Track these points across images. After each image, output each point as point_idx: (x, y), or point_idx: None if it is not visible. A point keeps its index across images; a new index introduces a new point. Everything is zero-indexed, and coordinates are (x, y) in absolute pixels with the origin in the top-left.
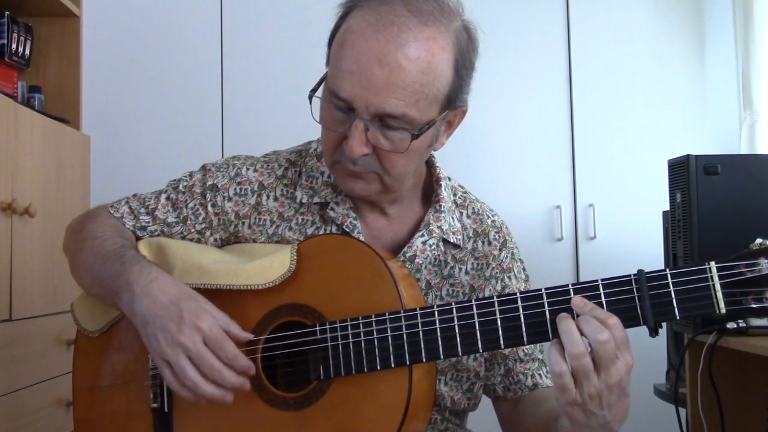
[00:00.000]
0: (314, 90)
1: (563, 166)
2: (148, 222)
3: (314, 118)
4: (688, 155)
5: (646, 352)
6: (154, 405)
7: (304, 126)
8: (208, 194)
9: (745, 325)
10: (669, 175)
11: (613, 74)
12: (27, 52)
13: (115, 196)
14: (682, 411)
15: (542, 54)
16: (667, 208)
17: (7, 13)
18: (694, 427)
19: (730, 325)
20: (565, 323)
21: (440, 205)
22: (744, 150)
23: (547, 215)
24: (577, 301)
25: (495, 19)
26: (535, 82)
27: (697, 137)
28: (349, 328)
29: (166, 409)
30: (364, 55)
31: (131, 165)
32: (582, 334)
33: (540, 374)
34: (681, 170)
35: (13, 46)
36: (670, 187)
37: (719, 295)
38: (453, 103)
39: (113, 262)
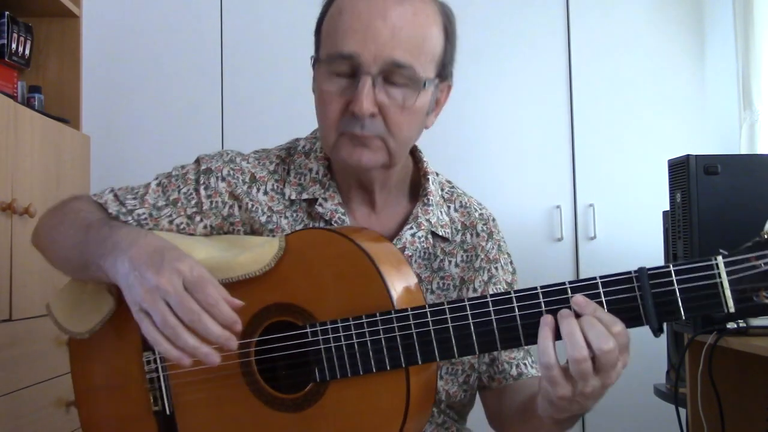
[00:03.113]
0: (318, 60)
1: (563, 166)
2: (135, 205)
3: (324, 88)
4: (688, 155)
5: (646, 352)
6: (156, 408)
7: (303, 126)
8: (201, 177)
9: (745, 325)
10: (669, 175)
11: (613, 74)
12: (27, 52)
13: None
14: (682, 411)
15: (542, 54)
16: (667, 208)
17: (7, 13)
18: (694, 427)
19: (730, 325)
20: (568, 324)
21: (428, 199)
22: (744, 150)
23: (547, 215)
24: (579, 299)
25: (495, 19)
26: (536, 82)
27: (697, 137)
28: (341, 330)
29: (168, 412)
30: (366, 12)
31: (131, 165)
32: (585, 338)
33: (525, 364)
34: (681, 170)
35: (13, 46)
36: (670, 187)
37: (727, 292)
38: (444, 70)
39: (99, 228)
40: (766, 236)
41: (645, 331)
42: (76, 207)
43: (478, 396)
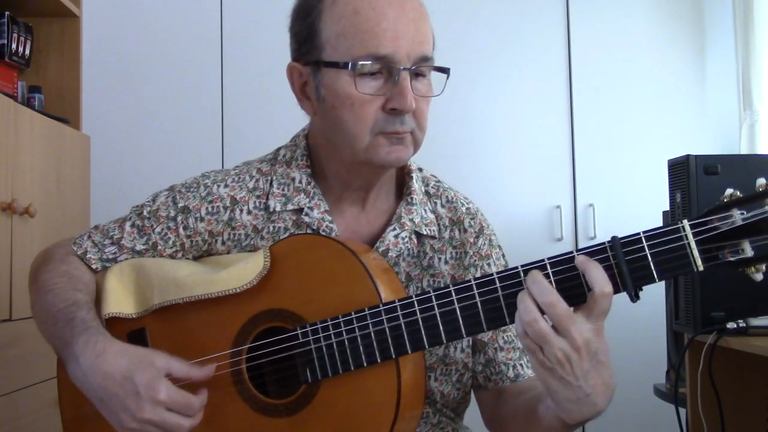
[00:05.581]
0: (323, 62)
1: (563, 166)
2: (116, 253)
3: (356, 92)
4: (688, 155)
5: (646, 352)
6: None
7: (303, 126)
8: (179, 217)
9: (745, 325)
10: (669, 175)
11: (613, 74)
12: (27, 52)
13: (115, 196)
14: (682, 411)
15: (542, 54)
16: (667, 208)
17: (7, 13)
18: (694, 427)
19: (730, 325)
20: (521, 292)
21: (412, 198)
22: (744, 150)
23: (547, 215)
24: (581, 258)
25: (496, 19)
26: (536, 82)
27: (697, 137)
28: (331, 328)
29: None
30: (387, 8)
31: (131, 165)
32: (532, 298)
33: (521, 364)
34: (681, 170)
35: (13, 46)
36: (670, 187)
37: (695, 252)
38: None
39: (63, 325)
40: (725, 200)
41: (645, 331)
42: (46, 283)
43: (473, 394)
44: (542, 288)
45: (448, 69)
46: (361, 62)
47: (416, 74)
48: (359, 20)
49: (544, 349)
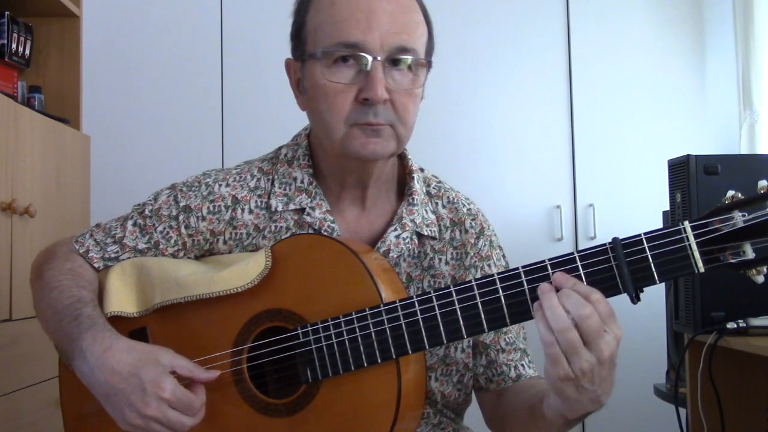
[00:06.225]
0: (306, 55)
1: (563, 166)
2: (118, 252)
3: (328, 81)
4: (688, 155)
5: (646, 352)
6: None
7: (304, 125)
8: (181, 216)
9: (745, 325)
10: (669, 175)
11: (613, 74)
12: (27, 52)
13: (115, 196)
14: (682, 411)
15: (543, 54)
16: (667, 208)
17: (7, 13)
18: (694, 427)
19: (730, 325)
20: (548, 298)
21: (413, 198)
22: (744, 150)
23: (547, 215)
24: (558, 276)
25: (495, 20)
26: (536, 82)
27: (697, 137)
28: (331, 328)
29: None
30: None
31: (131, 165)
32: (565, 309)
33: (523, 365)
34: (681, 170)
35: (13, 46)
36: (670, 187)
37: (696, 254)
38: (428, 57)
39: (69, 321)
40: (726, 202)
41: (645, 331)
42: (51, 280)
43: (474, 395)
44: (576, 301)
45: (429, 62)
46: (328, 51)
47: (397, 66)
48: (334, 11)
49: (572, 360)
